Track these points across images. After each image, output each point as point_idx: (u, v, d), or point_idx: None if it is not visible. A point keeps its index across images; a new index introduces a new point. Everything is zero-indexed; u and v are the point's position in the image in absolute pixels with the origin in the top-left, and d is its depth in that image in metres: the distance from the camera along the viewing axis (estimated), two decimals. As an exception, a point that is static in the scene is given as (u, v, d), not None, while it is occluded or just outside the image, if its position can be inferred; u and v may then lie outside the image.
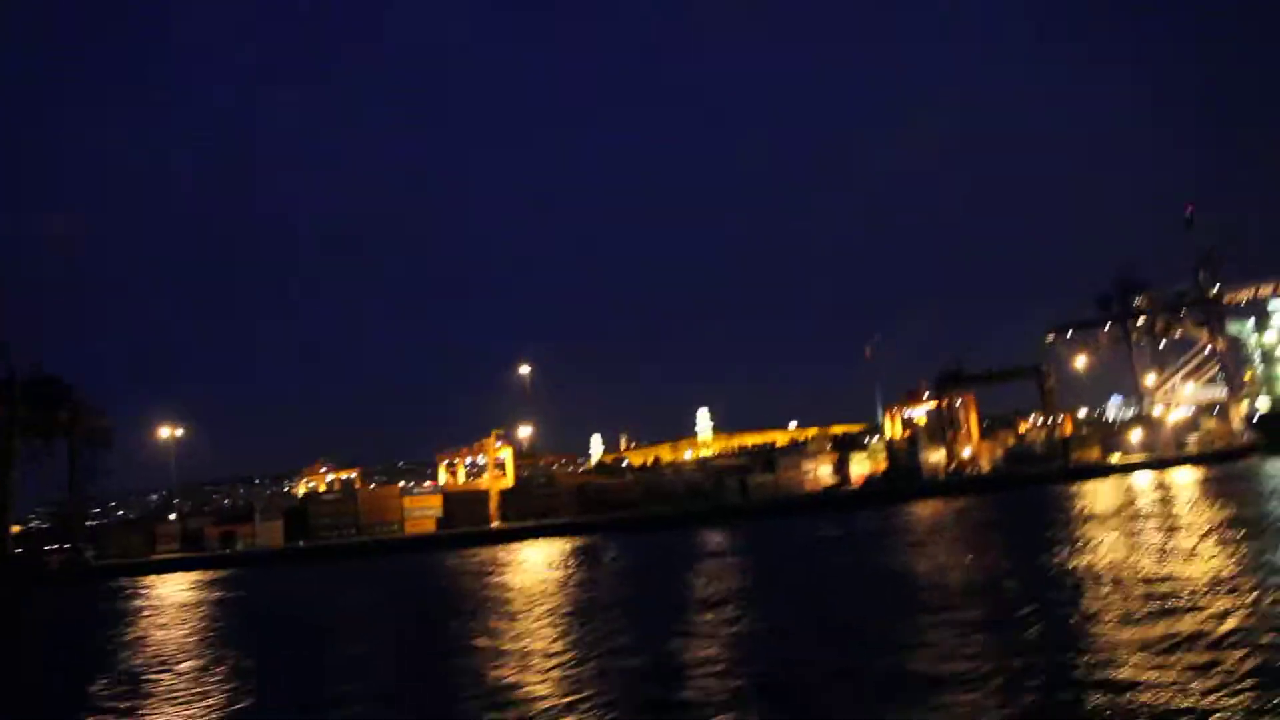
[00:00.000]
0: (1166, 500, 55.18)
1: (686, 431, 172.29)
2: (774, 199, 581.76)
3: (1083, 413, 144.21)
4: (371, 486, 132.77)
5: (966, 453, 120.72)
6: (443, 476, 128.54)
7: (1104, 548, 33.49)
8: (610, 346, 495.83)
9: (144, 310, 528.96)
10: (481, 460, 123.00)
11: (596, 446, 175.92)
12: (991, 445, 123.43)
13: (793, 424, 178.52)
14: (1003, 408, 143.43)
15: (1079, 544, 35.54)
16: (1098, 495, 65.80)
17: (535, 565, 53.42)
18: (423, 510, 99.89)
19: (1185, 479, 75.91)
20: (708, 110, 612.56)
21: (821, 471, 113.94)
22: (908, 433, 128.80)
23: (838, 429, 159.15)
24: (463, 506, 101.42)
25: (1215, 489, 59.96)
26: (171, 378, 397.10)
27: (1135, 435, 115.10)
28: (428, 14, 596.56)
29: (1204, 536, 33.38)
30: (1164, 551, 30.58)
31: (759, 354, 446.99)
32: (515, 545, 76.71)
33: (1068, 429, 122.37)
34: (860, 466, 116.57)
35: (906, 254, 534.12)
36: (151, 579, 73.44)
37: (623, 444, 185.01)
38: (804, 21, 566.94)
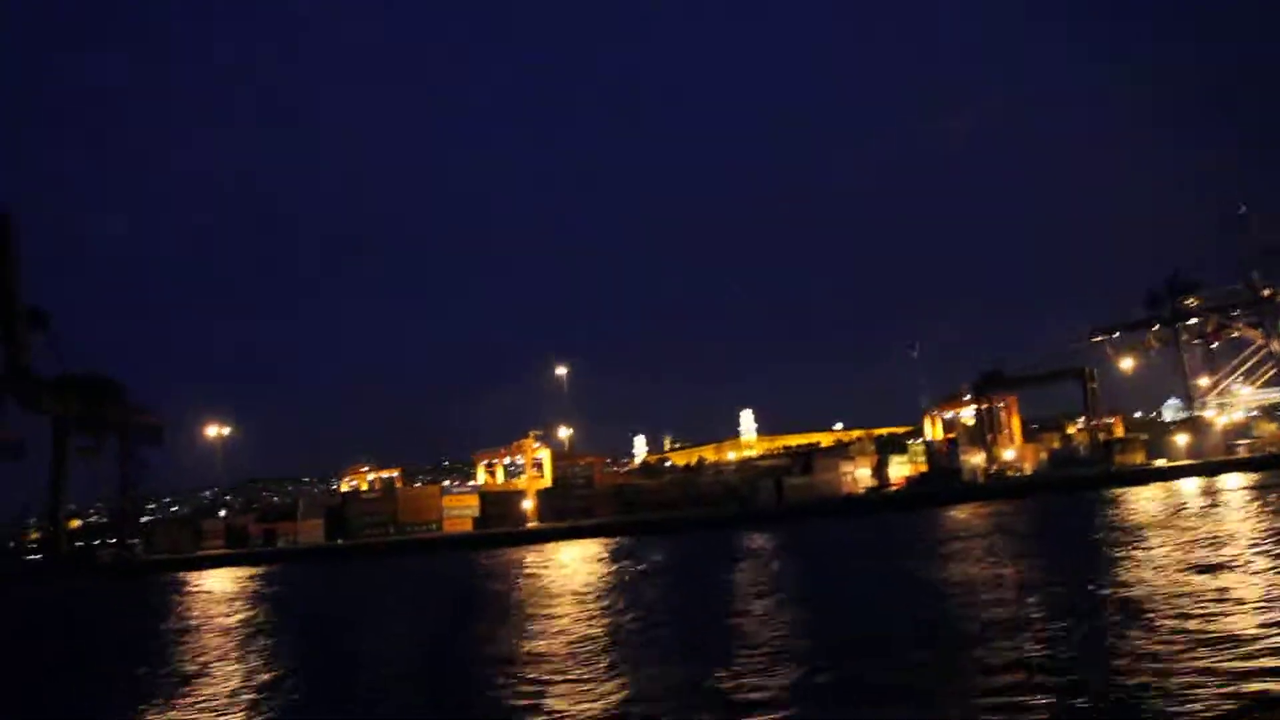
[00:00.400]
0: (1208, 508, 53.77)
1: (731, 433, 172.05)
2: (812, 203, 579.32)
3: (1137, 415, 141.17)
4: (417, 485, 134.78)
5: (1009, 455, 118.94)
6: (482, 476, 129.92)
7: (1121, 560, 32.92)
8: (655, 349, 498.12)
9: (192, 311, 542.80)
10: (520, 461, 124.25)
11: (640, 447, 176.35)
12: (1035, 448, 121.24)
13: (838, 425, 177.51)
14: (1053, 410, 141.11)
15: (1092, 557, 34.97)
16: (1137, 501, 64.38)
17: (564, 568, 53.94)
18: (460, 510, 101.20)
19: (1233, 484, 73.85)
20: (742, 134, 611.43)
21: (860, 473, 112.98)
22: (949, 435, 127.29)
23: (883, 431, 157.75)
24: (499, 506, 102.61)
25: (1263, 496, 58.32)
26: (223, 378, 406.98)
27: (1181, 439, 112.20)
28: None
29: (1230, 548, 32.62)
30: (1188, 565, 29.89)
31: (806, 355, 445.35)
32: (550, 546, 77.36)
33: (1118, 432, 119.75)
34: (900, 469, 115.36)
35: (953, 253, 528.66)
36: (195, 574, 75.54)
37: (667, 445, 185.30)
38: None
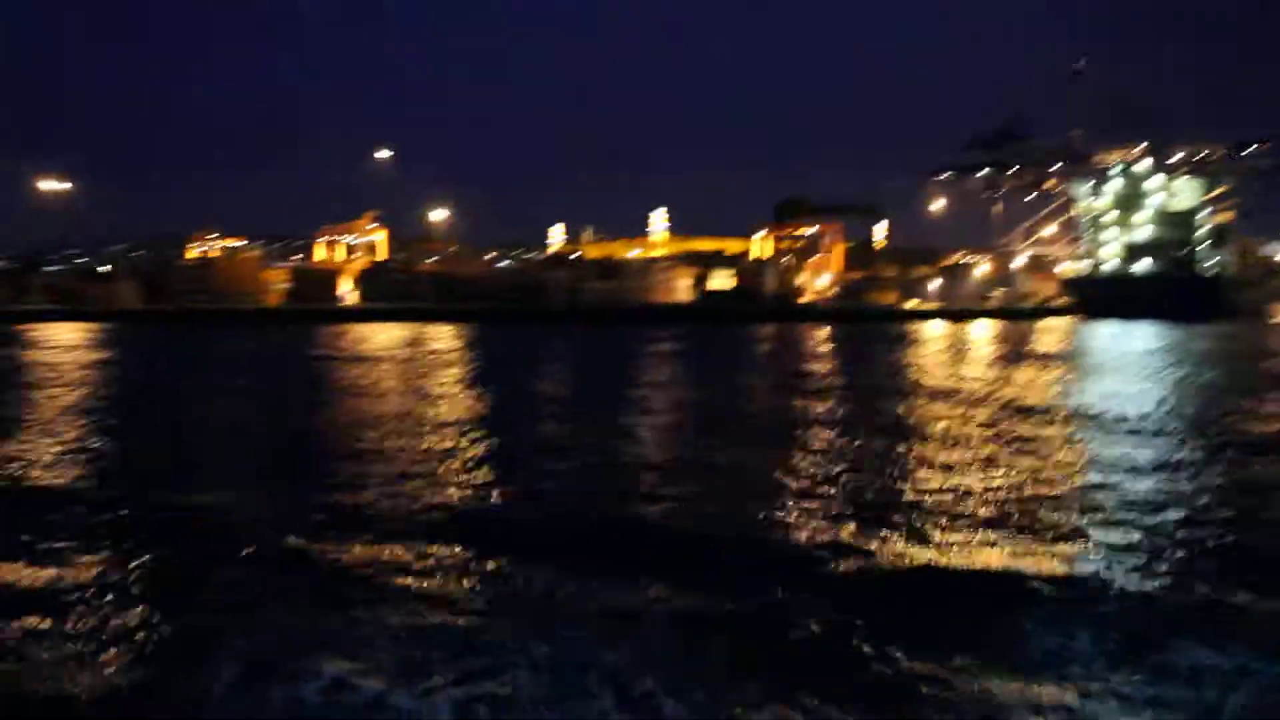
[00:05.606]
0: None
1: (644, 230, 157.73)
2: None
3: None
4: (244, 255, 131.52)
5: (822, 281, 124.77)
6: (321, 253, 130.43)
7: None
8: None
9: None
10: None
11: (557, 236, 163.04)
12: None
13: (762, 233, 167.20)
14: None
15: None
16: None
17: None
18: (281, 284, 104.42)
19: (977, 333, 74.87)
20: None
21: (683, 283, 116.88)
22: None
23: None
24: (311, 284, 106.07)
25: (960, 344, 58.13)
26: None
27: (934, 284, 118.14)
28: None
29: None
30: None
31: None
32: (351, 326, 79.53)
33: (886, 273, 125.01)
34: (724, 282, 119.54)
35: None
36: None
37: (587, 237, 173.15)
38: None
